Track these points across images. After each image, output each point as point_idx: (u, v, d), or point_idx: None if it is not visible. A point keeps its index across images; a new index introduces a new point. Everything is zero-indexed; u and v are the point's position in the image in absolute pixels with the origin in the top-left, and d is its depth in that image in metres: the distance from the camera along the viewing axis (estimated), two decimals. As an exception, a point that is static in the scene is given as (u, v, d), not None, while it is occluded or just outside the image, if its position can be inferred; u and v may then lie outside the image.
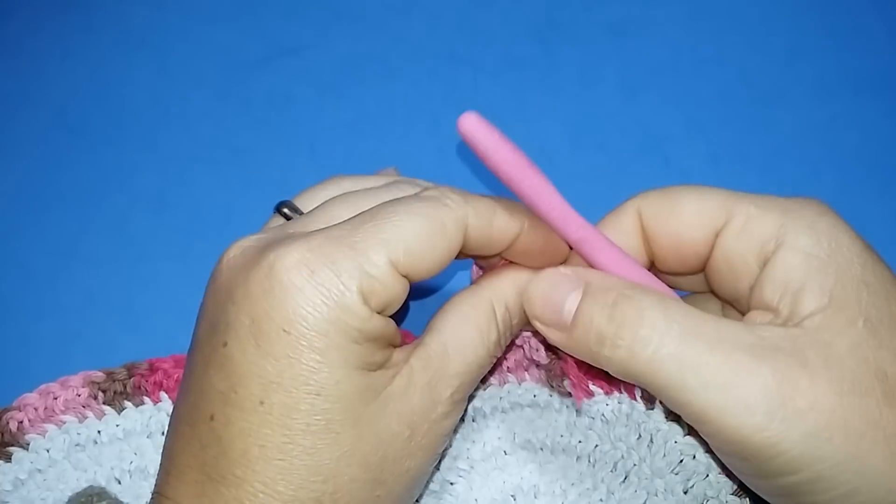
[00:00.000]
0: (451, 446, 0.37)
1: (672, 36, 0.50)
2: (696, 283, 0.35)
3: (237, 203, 0.46)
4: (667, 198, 0.33)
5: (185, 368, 0.32)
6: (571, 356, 0.34)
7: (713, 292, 0.35)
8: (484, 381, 0.38)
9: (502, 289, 0.34)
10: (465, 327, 0.33)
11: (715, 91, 0.48)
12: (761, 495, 0.31)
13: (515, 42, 0.50)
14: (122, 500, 0.33)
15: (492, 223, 0.32)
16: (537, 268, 0.34)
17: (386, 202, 0.31)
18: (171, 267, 0.44)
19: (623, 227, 0.34)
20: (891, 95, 0.47)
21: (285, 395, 0.28)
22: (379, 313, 0.30)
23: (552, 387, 0.37)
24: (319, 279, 0.28)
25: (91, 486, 0.33)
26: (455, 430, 0.37)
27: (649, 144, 0.47)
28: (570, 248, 0.34)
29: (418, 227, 0.30)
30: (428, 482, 0.36)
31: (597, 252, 0.32)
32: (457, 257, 0.32)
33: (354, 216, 0.31)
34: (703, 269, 0.34)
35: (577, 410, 0.37)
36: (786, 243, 0.30)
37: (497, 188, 0.43)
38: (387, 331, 0.30)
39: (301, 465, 0.28)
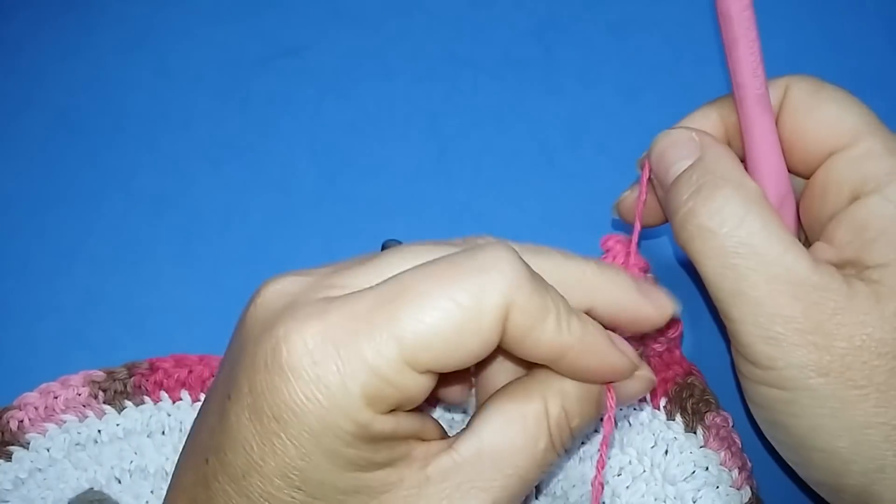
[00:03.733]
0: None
1: (672, 36, 0.50)
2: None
3: (237, 203, 0.46)
4: (815, 92, 0.33)
5: (214, 377, 0.30)
6: None
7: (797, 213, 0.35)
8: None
9: (561, 385, 0.28)
10: (508, 430, 0.28)
11: (715, 91, 0.48)
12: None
13: (515, 42, 0.50)
14: (120, 500, 0.33)
15: (534, 330, 0.26)
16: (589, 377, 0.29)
17: (420, 266, 0.26)
18: (171, 267, 0.44)
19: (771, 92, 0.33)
20: (891, 95, 0.47)
21: (266, 481, 0.26)
22: (391, 411, 0.26)
23: None
24: (321, 371, 0.25)
25: (91, 490, 0.33)
26: (453, 427, 0.37)
27: (649, 144, 0.47)
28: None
29: (445, 320, 0.25)
30: None
31: (755, 127, 0.32)
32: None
33: (382, 283, 0.26)
34: (808, 176, 0.34)
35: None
36: (883, 191, 0.30)
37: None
38: (399, 428, 0.27)
39: None
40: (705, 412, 0.36)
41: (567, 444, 0.29)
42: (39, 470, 0.37)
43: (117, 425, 0.38)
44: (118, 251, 0.45)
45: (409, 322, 0.25)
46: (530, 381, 0.29)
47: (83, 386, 0.39)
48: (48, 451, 0.38)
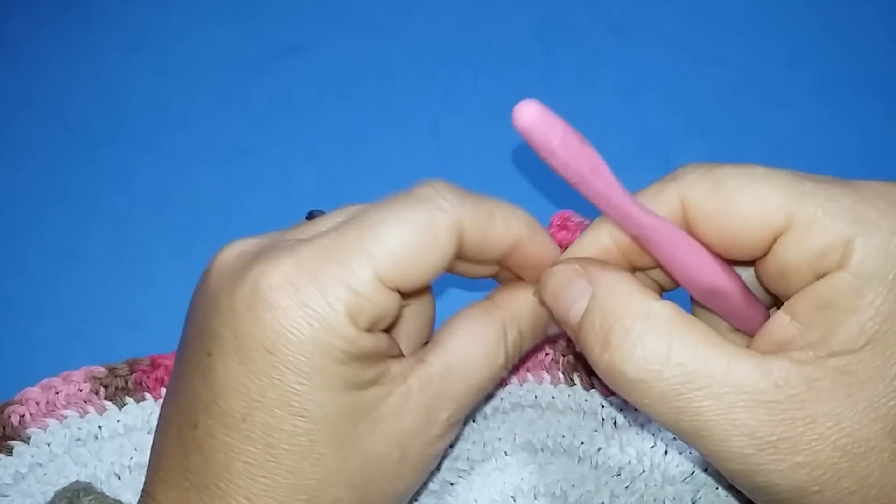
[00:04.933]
0: (451, 447, 0.37)
1: (672, 36, 0.50)
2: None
3: (237, 203, 0.46)
4: (718, 192, 0.28)
5: (173, 366, 0.31)
6: None
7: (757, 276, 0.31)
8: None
9: (517, 310, 0.32)
10: (473, 348, 0.31)
11: (715, 91, 0.48)
12: None
13: (515, 42, 0.50)
14: (120, 495, 0.33)
15: (489, 229, 0.30)
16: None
17: (376, 205, 0.30)
18: (171, 267, 0.44)
19: (662, 203, 0.29)
20: (891, 95, 0.47)
21: (268, 415, 0.28)
22: (369, 330, 0.29)
23: (572, 381, 0.37)
24: (304, 298, 0.27)
25: (77, 482, 0.33)
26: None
27: (649, 144, 0.47)
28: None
29: (407, 236, 0.28)
30: (422, 489, 0.36)
31: (667, 250, 0.28)
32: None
33: (342, 222, 0.29)
34: (751, 263, 0.30)
35: (583, 411, 0.37)
36: (848, 264, 0.26)
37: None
38: (379, 346, 0.29)
39: (285, 483, 0.28)
40: None
41: (516, 360, 0.33)
42: (40, 465, 0.37)
43: (118, 421, 0.38)
44: (118, 251, 0.45)
45: (376, 244, 0.28)
46: (491, 304, 0.32)
47: (84, 381, 0.39)
48: (49, 446, 0.38)
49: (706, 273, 0.29)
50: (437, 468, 0.37)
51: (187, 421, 0.29)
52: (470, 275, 0.33)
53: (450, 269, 0.32)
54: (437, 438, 0.31)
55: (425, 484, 0.36)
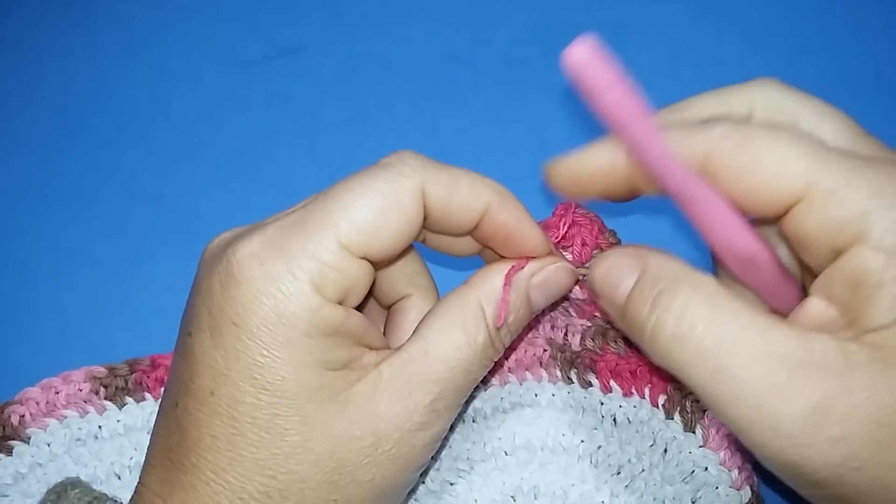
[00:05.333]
0: (451, 447, 0.37)
1: (672, 36, 0.50)
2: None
3: (237, 203, 0.46)
4: (744, 149, 0.28)
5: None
6: (604, 353, 0.35)
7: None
8: (485, 381, 0.38)
9: (494, 286, 0.32)
10: (449, 329, 0.31)
11: (715, 91, 0.48)
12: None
13: (515, 42, 0.50)
14: (120, 495, 0.33)
15: (453, 195, 0.30)
16: (518, 257, 0.32)
17: (343, 179, 0.30)
18: (171, 267, 0.44)
19: (688, 149, 0.29)
20: (891, 95, 0.47)
21: (233, 388, 0.28)
22: (341, 303, 0.29)
23: (570, 379, 0.37)
24: (269, 269, 0.28)
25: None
26: (453, 429, 0.37)
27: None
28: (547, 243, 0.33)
29: (369, 203, 0.29)
30: (420, 487, 0.36)
31: (701, 208, 0.28)
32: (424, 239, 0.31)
33: (310, 198, 0.30)
34: (776, 219, 0.29)
35: (583, 409, 0.37)
36: (866, 238, 0.26)
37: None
38: (349, 325, 0.29)
39: (249, 457, 0.28)
40: (705, 410, 0.36)
41: (505, 338, 0.32)
42: (40, 465, 0.37)
43: (118, 421, 0.38)
44: (118, 251, 0.45)
45: (340, 212, 0.28)
46: (465, 286, 0.32)
47: (84, 381, 0.39)
48: (49, 446, 0.38)
49: (743, 239, 0.29)
50: (437, 468, 0.37)
51: (171, 401, 0.30)
52: (451, 252, 0.34)
53: (428, 244, 0.33)
54: (420, 426, 0.30)
55: (425, 483, 0.36)
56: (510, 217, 0.31)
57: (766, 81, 0.30)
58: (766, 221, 0.30)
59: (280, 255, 0.28)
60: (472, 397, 0.38)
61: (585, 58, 0.24)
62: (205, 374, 0.29)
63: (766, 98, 0.30)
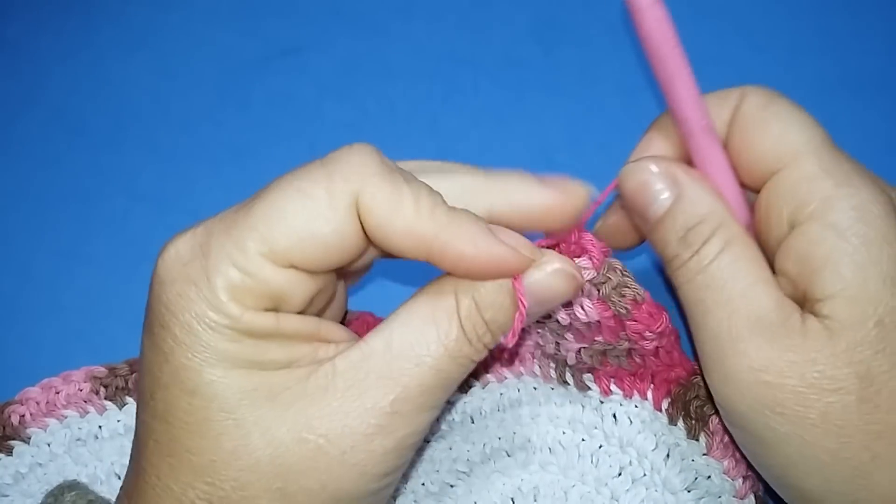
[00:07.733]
0: (451, 448, 0.37)
1: (672, 36, 0.50)
2: None
3: (237, 203, 0.46)
4: (765, 106, 0.31)
5: None
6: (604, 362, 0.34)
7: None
8: (481, 378, 0.38)
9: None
10: (419, 323, 0.27)
11: (713, 91, 0.48)
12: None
13: (515, 42, 0.50)
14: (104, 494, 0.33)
15: (394, 216, 0.26)
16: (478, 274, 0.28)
17: (283, 175, 0.27)
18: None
19: (720, 110, 0.32)
20: (891, 95, 0.47)
21: (166, 392, 0.27)
22: (267, 309, 0.27)
23: (566, 382, 0.37)
24: (189, 272, 0.26)
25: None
26: (453, 429, 0.37)
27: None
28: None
29: (295, 209, 0.26)
30: (420, 489, 0.36)
31: (704, 154, 0.31)
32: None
33: (253, 195, 0.28)
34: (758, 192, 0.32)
35: (582, 406, 0.36)
36: (821, 218, 0.28)
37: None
38: (285, 328, 0.27)
39: (188, 463, 0.27)
40: (710, 415, 0.35)
41: (485, 337, 0.28)
42: (40, 465, 0.37)
43: (118, 421, 0.38)
44: (118, 251, 0.45)
45: (261, 214, 0.26)
46: (442, 280, 0.29)
47: (84, 381, 0.39)
48: (49, 446, 0.38)
49: (739, 207, 0.31)
50: (437, 470, 0.36)
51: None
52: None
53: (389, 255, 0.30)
54: (378, 429, 0.27)
55: (425, 486, 0.36)
56: (467, 250, 0.27)
57: (752, 89, 0.32)
58: (755, 189, 0.32)
59: (201, 258, 0.26)
60: (471, 397, 0.38)
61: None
62: (145, 376, 0.28)
63: (750, 103, 0.32)
